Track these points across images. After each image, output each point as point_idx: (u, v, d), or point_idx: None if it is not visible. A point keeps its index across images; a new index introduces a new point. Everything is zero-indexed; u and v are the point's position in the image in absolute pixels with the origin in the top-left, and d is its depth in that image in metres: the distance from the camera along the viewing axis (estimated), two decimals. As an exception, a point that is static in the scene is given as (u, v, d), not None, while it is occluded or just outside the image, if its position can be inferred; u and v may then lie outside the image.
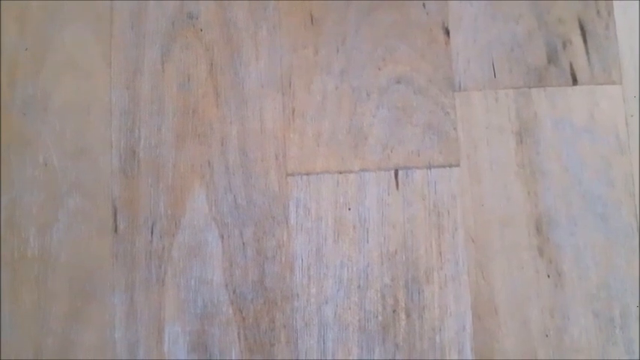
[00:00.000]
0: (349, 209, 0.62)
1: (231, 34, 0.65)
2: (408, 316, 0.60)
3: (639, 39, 0.64)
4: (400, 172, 0.62)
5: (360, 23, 0.65)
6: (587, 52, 0.64)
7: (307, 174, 0.62)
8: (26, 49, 0.64)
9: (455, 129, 0.63)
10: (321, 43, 0.64)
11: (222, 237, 0.61)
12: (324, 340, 0.60)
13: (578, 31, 0.64)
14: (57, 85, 0.64)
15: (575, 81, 0.63)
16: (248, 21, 0.65)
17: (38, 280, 0.61)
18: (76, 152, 0.63)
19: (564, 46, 0.64)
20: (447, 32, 0.64)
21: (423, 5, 0.65)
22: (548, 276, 0.60)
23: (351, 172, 0.62)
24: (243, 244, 0.61)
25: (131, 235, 0.62)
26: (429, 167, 0.62)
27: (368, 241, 0.61)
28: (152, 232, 0.62)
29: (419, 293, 0.60)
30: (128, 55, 0.64)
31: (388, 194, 0.62)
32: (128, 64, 0.64)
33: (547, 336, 0.60)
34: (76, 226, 0.62)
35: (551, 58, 0.64)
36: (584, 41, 0.64)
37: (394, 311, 0.60)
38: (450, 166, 0.62)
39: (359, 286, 0.61)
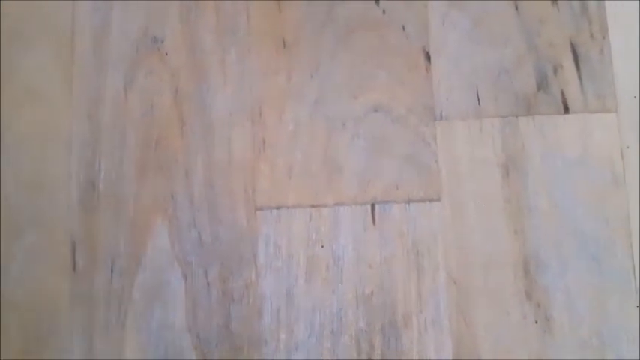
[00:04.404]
0: (322, 247, 0.58)
1: (198, 58, 0.61)
2: (384, 364, 0.56)
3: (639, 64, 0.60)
4: (377, 207, 0.59)
5: (335, 48, 0.61)
6: (580, 78, 0.60)
7: (278, 208, 0.59)
8: (-17, 76, 0.61)
9: (436, 161, 0.59)
10: (294, 69, 0.61)
11: (185, 277, 0.58)
12: (293, 389, 0.56)
13: (570, 56, 0.61)
14: (15, 114, 0.61)
15: (566, 109, 0.60)
16: (216, 45, 0.61)
17: (-9, 321, 0.58)
18: (34, 186, 0.60)
19: (555, 71, 0.60)
20: (428, 57, 0.61)
21: (403, 28, 0.61)
22: (536, 322, 0.57)
23: (324, 206, 0.59)
24: (208, 284, 0.58)
25: (90, 273, 0.58)
26: (408, 202, 0.59)
27: (342, 282, 0.58)
28: (112, 271, 0.58)
29: (396, 339, 0.57)
30: (90, 83, 0.61)
31: (364, 231, 0.58)
32: (90, 92, 0.61)
33: (535, 386, 0.56)
34: (33, 264, 0.58)
35: (541, 85, 0.60)
36: (577, 66, 0.60)
37: (370, 358, 0.56)
38: (431, 200, 0.59)
39: (332, 331, 0.57)
